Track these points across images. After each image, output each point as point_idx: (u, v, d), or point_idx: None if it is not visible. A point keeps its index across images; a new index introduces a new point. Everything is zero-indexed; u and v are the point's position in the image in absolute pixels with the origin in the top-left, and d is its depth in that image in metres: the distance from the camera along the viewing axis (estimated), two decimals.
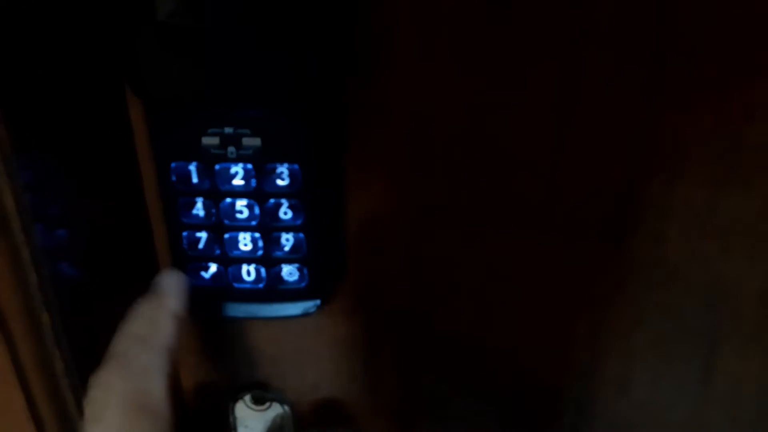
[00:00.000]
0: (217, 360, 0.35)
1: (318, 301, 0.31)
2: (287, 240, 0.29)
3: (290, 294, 0.30)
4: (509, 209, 0.29)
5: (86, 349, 0.25)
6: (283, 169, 0.27)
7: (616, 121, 0.26)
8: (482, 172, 0.29)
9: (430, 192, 0.30)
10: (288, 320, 0.32)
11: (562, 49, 0.25)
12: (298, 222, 0.28)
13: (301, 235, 0.29)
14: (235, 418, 0.36)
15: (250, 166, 0.27)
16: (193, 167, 0.27)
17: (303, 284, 0.30)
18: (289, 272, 0.30)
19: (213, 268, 0.30)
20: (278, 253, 0.29)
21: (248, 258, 0.29)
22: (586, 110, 0.26)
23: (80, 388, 0.24)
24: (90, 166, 0.28)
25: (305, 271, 0.30)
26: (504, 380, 0.33)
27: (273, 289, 0.30)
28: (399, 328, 0.33)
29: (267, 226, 0.29)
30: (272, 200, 0.28)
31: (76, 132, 0.27)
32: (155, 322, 0.25)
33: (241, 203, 0.28)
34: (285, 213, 0.28)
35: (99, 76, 0.28)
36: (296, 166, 0.27)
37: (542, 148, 0.28)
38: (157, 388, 0.23)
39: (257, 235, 0.29)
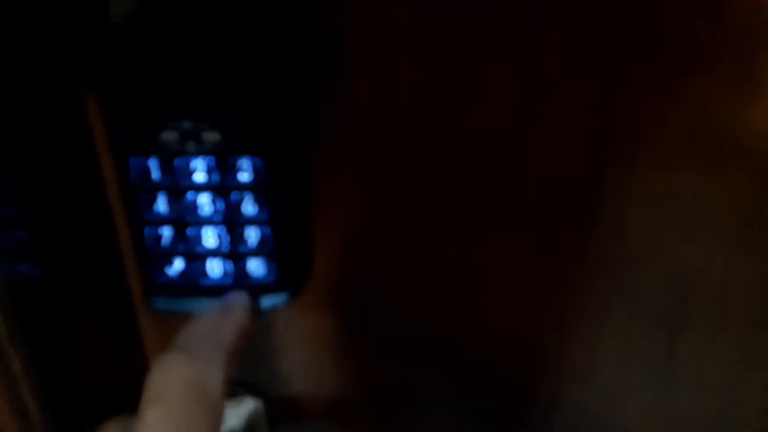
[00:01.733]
0: None
1: (287, 295, 0.31)
2: (252, 234, 0.29)
3: (258, 289, 0.30)
4: (473, 202, 0.29)
5: (47, 349, 0.25)
6: (245, 162, 0.27)
7: (575, 113, 0.27)
8: (445, 166, 0.29)
9: (395, 185, 0.29)
10: (258, 315, 0.31)
11: (519, 43, 0.26)
12: (263, 216, 0.28)
13: (267, 229, 0.29)
14: None
15: (211, 160, 0.27)
16: (152, 163, 0.27)
17: (271, 279, 0.30)
18: (256, 267, 0.30)
19: (178, 264, 0.29)
20: (244, 248, 0.29)
21: (214, 253, 0.29)
22: (545, 103, 0.27)
23: (39, 388, 0.24)
24: (47, 164, 0.28)
25: (273, 265, 0.29)
26: (473, 371, 0.33)
27: (241, 285, 0.30)
28: (368, 322, 0.33)
29: (231, 221, 0.28)
30: (235, 194, 0.28)
31: (31, 130, 0.27)
32: (221, 324, 0.26)
33: (203, 198, 0.28)
34: (249, 207, 0.28)
35: (54, 74, 0.28)
36: (258, 160, 0.27)
37: (504, 141, 0.28)
38: (215, 380, 0.23)
39: (222, 230, 0.29)
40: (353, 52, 0.27)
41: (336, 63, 0.28)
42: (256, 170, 0.27)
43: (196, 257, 0.29)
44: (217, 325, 0.26)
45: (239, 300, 0.29)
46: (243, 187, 0.27)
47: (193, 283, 0.30)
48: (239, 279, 0.30)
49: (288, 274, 0.30)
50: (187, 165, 0.27)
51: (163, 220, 0.28)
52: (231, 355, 0.25)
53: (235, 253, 0.29)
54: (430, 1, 0.26)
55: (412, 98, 0.28)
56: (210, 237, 0.29)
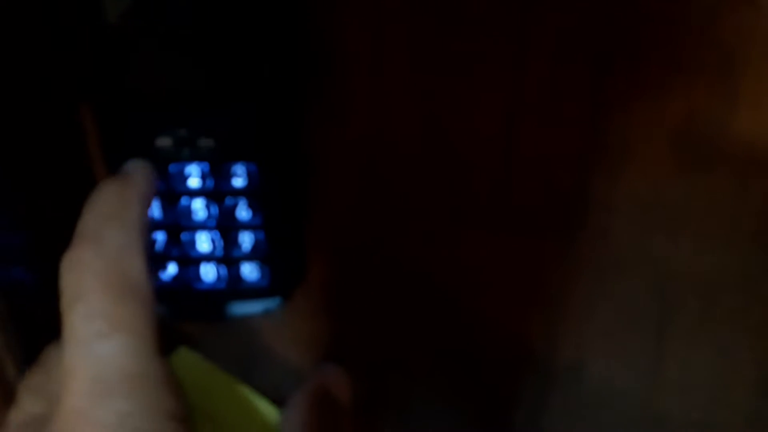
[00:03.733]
0: None
1: (280, 300, 0.31)
2: (246, 239, 0.29)
3: (252, 293, 0.30)
4: (464, 209, 0.30)
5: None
6: (239, 168, 0.27)
7: (562, 122, 0.27)
8: (434, 171, 0.29)
9: (387, 191, 0.30)
10: (251, 319, 0.32)
11: (508, 53, 0.26)
12: (257, 221, 0.29)
13: (261, 234, 0.29)
14: None
15: (205, 166, 0.27)
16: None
17: (264, 283, 0.30)
18: (249, 271, 0.30)
19: (172, 269, 0.30)
20: (238, 253, 0.29)
21: (207, 258, 0.29)
22: (532, 112, 0.27)
23: None
24: (41, 170, 0.28)
25: (266, 269, 0.30)
26: (464, 374, 0.34)
27: (234, 289, 0.30)
28: (361, 326, 0.34)
29: (225, 226, 0.29)
30: (229, 200, 0.28)
31: (24, 136, 0.27)
32: (125, 200, 0.23)
33: (197, 203, 0.28)
34: (243, 212, 0.28)
35: (47, 79, 0.28)
36: (253, 165, 0.27)
37: (493, 150, 0.28)
38: (136, 268, 0.21)
39: (216, 234, 0.29)
40: (346, 57, 0.28)
41: (329, 67, 0.28)
42: (250, 176, 0.27)
43: (190, 262, 0.29)
44: (122, 199, 0.23)
45: (137, 166, 0.25)
46: (237, 193, 0.28)
47: (187, 288, 0.30)
48: (232, 283, 0.30)
49: (281, 278, 0.30)
50: (182, 171, 0.27)
51: (157, 225, 0.28)
52: (144, 230, 0.22)
53: (228, 257, 0.29)
54: (420, 14, 0.26)
55: (404, 105, 0.28)
56: (204, 242, 0.29)
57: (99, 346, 0.19)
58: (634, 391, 0.32)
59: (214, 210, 0.28)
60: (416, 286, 0.32)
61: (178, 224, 0.28)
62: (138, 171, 0.25)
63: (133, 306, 0.20)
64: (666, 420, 0.32)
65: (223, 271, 0.30)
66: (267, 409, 0.24)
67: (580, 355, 0.32)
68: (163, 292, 0.30)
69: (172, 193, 0.28)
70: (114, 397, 0.18)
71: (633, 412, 0.32)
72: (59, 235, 0.30)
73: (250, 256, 0.29)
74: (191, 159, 0.27)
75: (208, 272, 0.30)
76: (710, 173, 0.27)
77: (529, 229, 0.29)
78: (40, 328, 0.26)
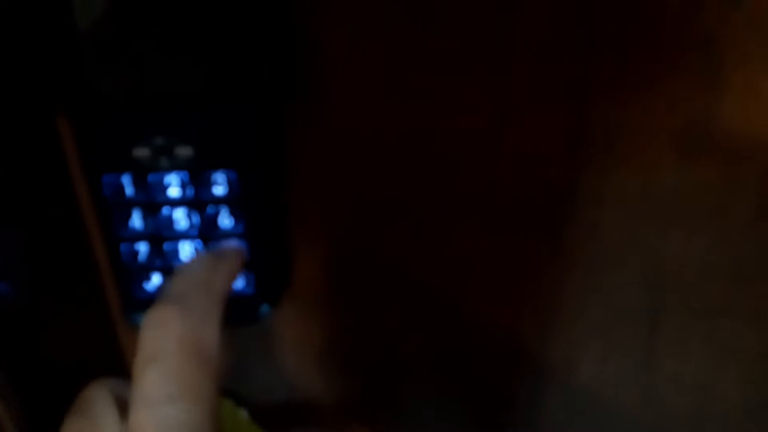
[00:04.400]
0: None
1: (267, 307, 0.31)
2: None
3: (238, 301, 0.30)
4: (451, 206, 0.29)
5: (23, 368, 0.25)
6: (219, 176, 0.27)
7: (547, 117, 0.27)
8: (421, 170, 0.29)
9: (371, 190, 0.30)
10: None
11: (491, 50, 0.26)
12: (239, 229, 0.28)
13: (244, 242, 0.28)
14: None
15: (185, 175, 0.27)
16: (126, 179, 0.27)
17: (250, 291, 0.30)
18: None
19: (156, 279, 0.29)
20: None
21: None
22: (518, 108, 0.27)
23: (16, 407, 0.24)
24: (18, 183, 0.27)
25: (251, 277, 0.29)
26: (457, 373, 0.33)
27: None
28: (350, 327, 0.33)
29: (208, 235, 0.28)
30: (211, 208, 0.28)
31: (2, 147, 0.26)
32: (217, 272, 0.24)
33: (178, 213, 0.28)
34: (225, 220, 0.28)
35: (24, 92, 0.27)
36: (233, 173, 0.27)
37: (479, 147, 0.28)
38: (214, 338, 0.21)
39: (199, 243, 0.28)
40: (326, 57, 0.27)
41: (310, 74, 0.28)
42: (230, 183, 0.27)
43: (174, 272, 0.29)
44: (210, 273, 0.24)
45: (232, 246, 0.27)
46: (218, 201, 0.27)
47: None
48: None
49: (267, 285, 0.30)
50: (161, 180, 0.27)
51: (139, 236, 0.28)
52: (225, 302, 0.23)
53: None
54: (402, 11, 0.26)
55: (386, 103, 0.28)
56: (187, 251, 0.29)
57: (168, 408, 0.19)
58: (628, 386, 0.32)
59: (196, 219, 0.28)
60: (406, 284, 0.32)
61: (160, 234, 0.28)
62: (233, 250, 0.27)
63: (205, 374, 0.20)
64: (660, 413, 0.32)
65: None
66: None
67: (573, 352, 0.31)
68: (148, 304, 0.29)
69: (153, 203, 0.27)
70: None
71: (628, 406, 0.32)
72: (39, 248, 0.30)
73: None
74: (170, 168, 0.26)
75: None
76: (699, 165, 0.27)
77: (517, 226, 0.29)
78: (19, 342, 0.26)
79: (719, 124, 0.25)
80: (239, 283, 0.29)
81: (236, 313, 0.30)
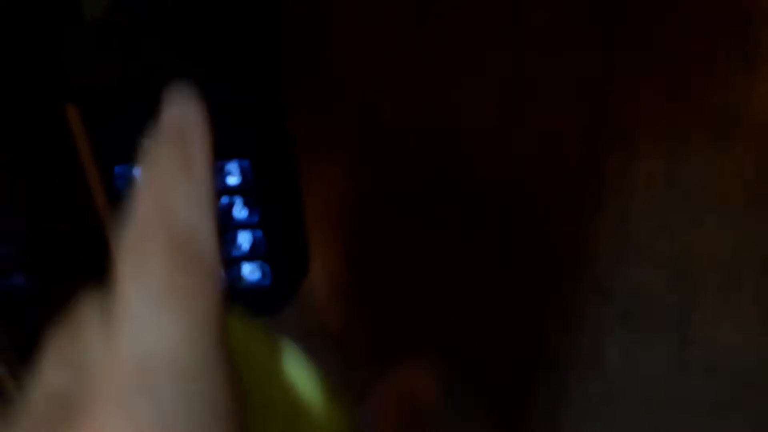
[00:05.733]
0: None
1: (284, 299, 0.30)
2: (245, 239, 0.28)
3: (254, 293, 0.30)
4: (466, 196, 0.28)
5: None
6: (232, 165, 0.26)
7: (571, 103, 0.26)
8: (436, 158, 0.28)
9: (383, 180, 0.29)
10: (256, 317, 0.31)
11: (511, 32, 0.25)
12: (254, 219, 0.28)
13: (259, 232, 0.28)
14: None
15: None
16: (138, 171, 0.26)
17: (266, 282, 0.29)
18: (250, 271, 0.29)
19: None
20: (237, 253, 0.28)
21: None
22: (540, 94, 0.26)
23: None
24: (33, 176, 0.27)
25: (267, 268, 0.29)
26: (477, 368, 0.33)
27: (236, 289, 0.29)
28: (367, 320, 0.33)
29: (222, 226, 0.28)
30: (225, 199, 0.27)
31: (15, 143, 0.26)
32: (192, 144, 0.18)
33: None
34: (239, 211, 0.27)
35: (35, 84, 0.27)
36: (246, 162, 0.26)
37: (499, 132, 0.27)
38: (205, 231, 0.16)
39: None
40: (338, 51, 0.26)
41: (321, 61, 0.27)
42: (243, 173, 0.26)
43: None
44: (187, 142, 0.17)
45: (187, 109, 0.18)
46: (232, 191, 0.27)
47: None
48: (234, 283, 0.29)
49: (283, 276, 0.29)
50: None
51: None
52: (212, 191, 0.17)
53: (228, 257, 0.28)
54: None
55: (397, 91, 0.27)
56: None
57: (153, 326, 0.15)
58: (657, 378, 0.31)
59: None
60: (421, 280, 0.31)
61: None
62: (190, 112, 0.18)
63: (199, 279, 0.16)
64: (690, 403, 0.31)
65: (223, 271, 0.29)
66: (332, 398, 0.20)
67: (598, 344, 0.30)
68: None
69: None
70: (161, 390, 0.15)
71: (657, 399, 0.31)
72: (56, 240, 0.30)
73: (249, 256, 0.28)
74: None
75: None
76: (731, 148, 0.26)
77: (541, 214, 0.28)
78: (38, 335, 0.26)
79: (751, 104, 0.24)
80: (255, 275, 0.29)
81: (253, 305, 0.30)
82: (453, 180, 0.28)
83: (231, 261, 0.28)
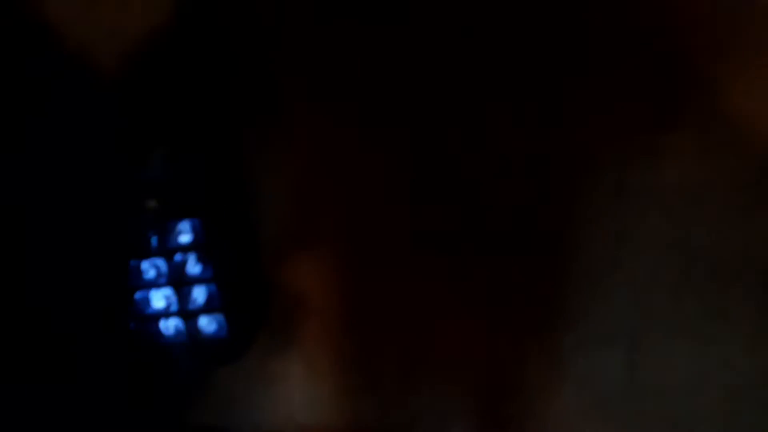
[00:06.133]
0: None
1: (241, 348, 0.31)
2: (200, 293, 0.29)
3: (212, 344, 0.31)
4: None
5: None
6: (184, 225, 0.28)
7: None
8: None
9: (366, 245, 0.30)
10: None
11: None
12: (208, 274, 0.29)
13: (213, 286, 0.29)
14: None
15: (151, 225, 0.28)
16: None
17: (223, 333, 0.30)
18: (207, 323, 0.30)
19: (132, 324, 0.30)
20: (193, 306, 0.30)
21: (164, 314, 0.30)
22: None
23: None
24: None
25: (223, 320, 0.30)
26: (460, 390, 0.33)
27: (194, 341, 0.30)
28: (338, 356, 0.33)
29: (177, 282, 0.29)
30: (179, 256, 0.29)
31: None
32: None
33: (147, 262, 0.29)
34: (193, 267, 0.29)
35: None
36: (197, 221, 0.28)
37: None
38: None
39: (169, 291, 0.29)
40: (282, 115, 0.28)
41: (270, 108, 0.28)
42: (195, 231, 0.28)
43: (147, 319, 0.30)
44: None
45: None
46: (185, 248, 0.28)
47: (149, 343, 0.30)
48: (192, 336, 0.30)
49: (239, 327, 0.30)
50: None
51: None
52: None
53: (184, 311, 0.30)
54: None
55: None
56: (159, 299, 0.29)
57: None
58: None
59: (164, 268, 0.29)
60: (397, 313, 0.32)
61: (132, 284, 0.29)
62: None
63: None
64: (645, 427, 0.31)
65: (181, 325, 0.30)
66: None
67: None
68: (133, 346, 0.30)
69: None
70: None
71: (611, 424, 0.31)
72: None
73: (205, 309, 0.30)
74: None
75: (168, 327, 0.30)
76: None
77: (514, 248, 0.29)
78: None
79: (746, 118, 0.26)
80: (211, 326, 0.30)
81: (211, 355, 0.31)
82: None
83: (188, 314, 0.30)
